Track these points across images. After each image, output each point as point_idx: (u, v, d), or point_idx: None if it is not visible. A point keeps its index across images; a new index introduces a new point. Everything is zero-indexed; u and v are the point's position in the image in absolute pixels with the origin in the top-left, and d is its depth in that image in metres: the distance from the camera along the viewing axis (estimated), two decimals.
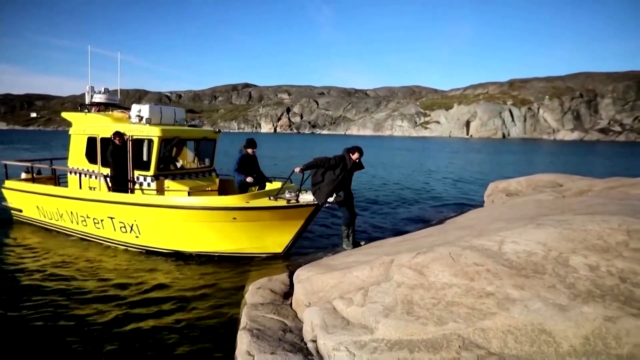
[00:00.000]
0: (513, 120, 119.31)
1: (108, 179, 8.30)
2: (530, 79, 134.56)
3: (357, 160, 7.22)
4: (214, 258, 7.59)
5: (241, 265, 7.33)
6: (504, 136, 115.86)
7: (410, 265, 4.31)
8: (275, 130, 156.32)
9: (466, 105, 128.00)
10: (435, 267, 4.10)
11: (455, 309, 3.55)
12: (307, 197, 7.06)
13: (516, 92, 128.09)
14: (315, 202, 6.93)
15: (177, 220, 7.49)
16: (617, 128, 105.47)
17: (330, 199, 6.91)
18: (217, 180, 9.34)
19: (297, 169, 7.08)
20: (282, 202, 6.96)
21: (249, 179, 8.03)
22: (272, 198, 7.11)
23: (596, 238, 3.96)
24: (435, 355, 3.17)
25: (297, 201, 6.94)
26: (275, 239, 7.41)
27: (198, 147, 9.36)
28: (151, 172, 8.17)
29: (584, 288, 3.37)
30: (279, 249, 7.49)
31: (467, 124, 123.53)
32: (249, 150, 8.36)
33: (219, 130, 9.63)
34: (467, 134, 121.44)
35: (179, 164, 8.96)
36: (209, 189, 8.76)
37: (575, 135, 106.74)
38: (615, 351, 2.81)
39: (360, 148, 7.25)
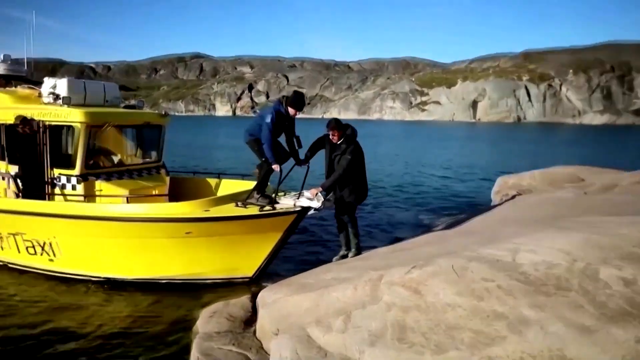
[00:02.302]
0: (530, 100, 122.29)
1: (19, 181, 8.00)
2: (550, 50, 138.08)
3: (335, 137, 6.91)
4: (158, 284, 7.30)
5: (190, 286, 7.26)
6: (519, 119, 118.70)
7: (403, 282, 4.36)
8: (234, 112, 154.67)
9: (472, 81, 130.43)
10: (435, 284, 4.17)
11: (457, 333, 3.62)
12: (287, 202, 6.78)
13: (533, 65, 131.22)
14: (297, 209, 6.57)
15: (110, 237, 7.14)
16: None
17: (316, 204, 6.59)
18: (168, 180, 9.06)
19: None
20: (253, 210, 6.66)
21: (276, 167, 6.84)
22: (240, 204, 6.80)
23: (631, 245, 4.06)
24: None
25: (274, 208, 6.63)
26: (244, 259, 7.09)
27: (140, 135, 9.11)
28: (76, 170, 7.80)
29: (617, 307, 3.44)
30: (248, 271, 7.19)
31: (474, 104, 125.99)
32: (290, 110, 6.93)
33: (167, 114, 9.37)
34: (474, 117, 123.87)
35: (115, 159, 8.63)
36: (156, 192, 8.45)
37: (605, 119, 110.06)
38: None
39: (329, 121, 7.02)
